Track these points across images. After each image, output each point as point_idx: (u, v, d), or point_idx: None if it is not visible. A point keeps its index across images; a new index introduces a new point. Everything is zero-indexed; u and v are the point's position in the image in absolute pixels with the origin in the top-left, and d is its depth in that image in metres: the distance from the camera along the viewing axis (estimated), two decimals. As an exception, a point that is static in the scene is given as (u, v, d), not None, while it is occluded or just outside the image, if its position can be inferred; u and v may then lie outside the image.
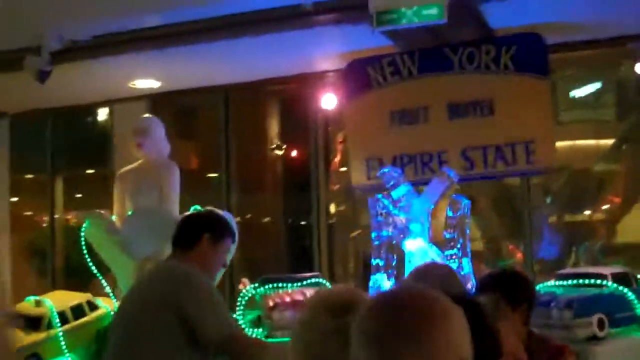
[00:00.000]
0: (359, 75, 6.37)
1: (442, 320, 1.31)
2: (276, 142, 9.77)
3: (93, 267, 5.83)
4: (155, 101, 8.82)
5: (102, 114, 9.70)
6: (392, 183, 5.08)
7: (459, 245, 4.86)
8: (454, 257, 4.86)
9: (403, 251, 5.04)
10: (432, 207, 4.99)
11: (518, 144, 5.83)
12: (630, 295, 4.82)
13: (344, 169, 9.20)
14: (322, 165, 8.50)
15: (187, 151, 10.19)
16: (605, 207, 8.65)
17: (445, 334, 1.29)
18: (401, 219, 4.98)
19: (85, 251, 5.78)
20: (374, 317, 1.33)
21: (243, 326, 5.35)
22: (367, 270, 8.66)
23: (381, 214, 5.07)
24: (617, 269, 5.25)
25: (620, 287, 4.86)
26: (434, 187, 4.98)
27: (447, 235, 4.90)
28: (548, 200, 8.55)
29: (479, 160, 5.92)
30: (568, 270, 5.85)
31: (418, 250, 4.92)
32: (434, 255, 4.92)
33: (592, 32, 6.26)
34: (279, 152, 9.76)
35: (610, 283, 4.88)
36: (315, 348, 1.61)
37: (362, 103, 6.42)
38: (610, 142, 8.59)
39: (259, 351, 3.24)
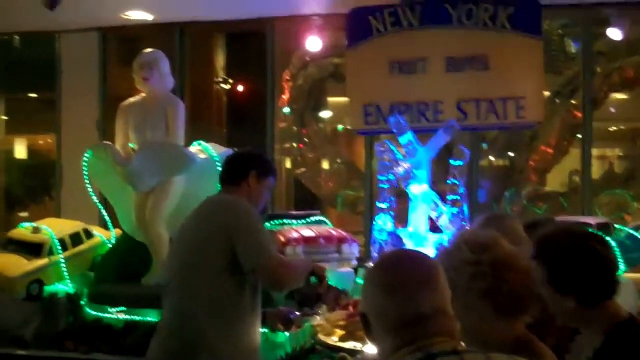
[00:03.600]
0: (361, 23, 6.59)
1: (440, 271, 1.75)
2: (222, 76, 9.91)
3: (94, 196, 5.93)
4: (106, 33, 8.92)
5: (50, 41, 9.57)
6: (398, 130, 5.36)
7: (460, 191, 5.22)
8: (455, 202, 5.22)
9: (407, 195, 5.36)
10: (435, 155, 5.32)
11: (510, 99, 6.24)
12: (612, 243, 5.31)
13: (287, 109, 9.51)
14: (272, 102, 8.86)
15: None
16: (537, 156, 9.24)
17: (443, 278, 1.74)
18: (406, 164, 5.28)
19: (87, 181, 5.85)
20: (394, 271, 1.74)
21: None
22: (300, 205, 9.08)
23: (387, 159, 5.35)
24: (601, 219, 5.76)
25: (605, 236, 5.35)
26: (439, 136, 5.30)
27: (450, 182, 5.25)
28: (484, 146, 9.07)
29: (473, 112, 6.30)
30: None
31: (422, 194, 5.26)
32: (436, 200, 5.28)
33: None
34: (226, 87, 9.91)
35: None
36: (451, 274, 1.89)
37: (363, 51, 6.67)
38: (547, 94, 9.14)
39: (297, 277, 3.50)
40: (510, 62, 6.34)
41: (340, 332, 4.24)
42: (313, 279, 3.64)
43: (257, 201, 3.58)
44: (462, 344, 1.72)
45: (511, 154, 9.46)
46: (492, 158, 9.67)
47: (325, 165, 10.36)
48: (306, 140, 9.92)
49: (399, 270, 1.73)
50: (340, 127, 10.18)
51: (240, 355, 3.35)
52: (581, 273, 2.20)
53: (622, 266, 5.33)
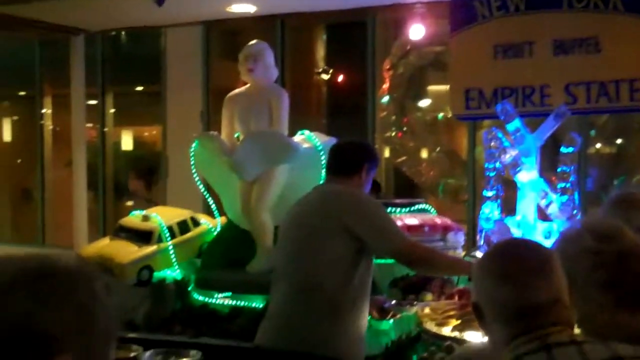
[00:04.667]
0: (465, 8, 6.49)
1: (555, 259, 1.71)
2: (322, 66, 9.92)
3: (200, 185, 6.07)
4: (209, 26, 9.08)
5: (156, 35, 9.85)
6: (505, 117, 5.24)
7: (571, 179, 5.06)
8: (565, 190, 5.06)
9: (513, 183, 5.24)
10: (543, 142, 5.17)
11: (622, 81, 6.01)
12: None
13: (385, 98, 9.43)
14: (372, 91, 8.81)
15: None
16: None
17: (558, 266, 1.70)
18: (514, 151, 5.16)
19: (193, 170, 5.99)
20: (508, 260, 1.72)
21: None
22: (401, 193, 9.05)
23: (494, 147, 5.24)
24: None
25: None
26: (548, 122, 5.14)
27: (560, 169, 5.10)
28: (593, 132, 8.76)
29: (582, 95, 6.11)
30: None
31: (530, 182, 5.12)
32: (545, 188, 5.13)
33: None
34: (326, 77, 9.91)
35: None
36: (570, 262, 1.84)
37: (466, 36, 6.59)
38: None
39: (434, 256, 3.65)
40: (622, 44, 6.10)
41: (453, 322, 4.19)
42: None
43: (365, 191, 3.64)
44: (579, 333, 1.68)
45: (620, 141, 9.11)
46: (599, 145, 9.35)
47: (424, 153, 10.28)
48: (405, 129, 9.86)
49: (513, 259, 1.71)
50: (440, 115, 10.05)
51: (351, 339, 3.38)
52: None
53: None
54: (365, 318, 3.51)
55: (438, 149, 10.03)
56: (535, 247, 1.77)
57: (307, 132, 5.80)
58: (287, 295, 3.47)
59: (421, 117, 10.13)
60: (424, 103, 10.28)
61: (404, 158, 9.51)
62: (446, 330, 4.10)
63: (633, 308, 1.96)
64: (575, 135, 5.05)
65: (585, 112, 6.40)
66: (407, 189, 9.63)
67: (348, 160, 3.65)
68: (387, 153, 10.14)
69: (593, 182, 8.27)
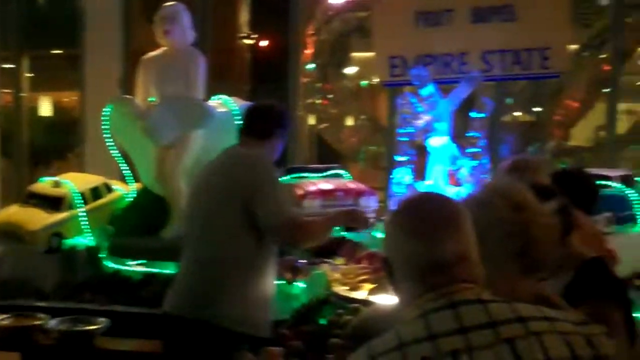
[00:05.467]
0: (386, -25, 6.49)
1: (464, 216, 1.67)
2: (245, 31, 9.83)
3: (115, 151, 5.94)
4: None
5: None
6: (420, 82, 5.28)
7: (481, 144, 5.15)
8: (475, 155, 5.15)
9: (425, 148, 5.31)
10: (456, 107, 5.24)
11: (535, 49, 6.13)
12: (634, 196, 5.24)
13: (311, 65, 9.42)
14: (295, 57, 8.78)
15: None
16: (562, 111, 9.11)
17: (469, 222, 1.67)
18: (427, 117, 5.21)
19: (107, 134, 5.86)
20: (418, 214, 1.67)
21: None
22: (323, 160, 9.08)
23: (407, 112, 5.29)
24: (622, 171, 5.66)
25: (625, 188, 5.27)
26: (461, 88, 5.21)
27: (470, 134, 5.18)
28: (509, 100, 8.95)
29: (497, 63, 6.23)
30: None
31: (442, 147, 5.20)
32: (456, 152, 5.21)
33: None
34: (249, 41, 9.82)
35: (616, 184, 5.28)
36: (480, 227, 1.77)
37: (388, 3, 6.62)
38: (574, 47, 8.95)
39: (313, 232, 3.51)
40: (537, 13, 6.23)
41: (368, 286, 4.24)
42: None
43: (275, 156, 3.61)
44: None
45: (536, 109, 9.33)
46: (516, 113, 9.55)
47: (350, 121, 10.31)
48: (331, 96, 9.87)
49: (424, 213, 1.66)
50: (364, 82, 10.08)
51: (254, 306, 3.36)
52: None
53: (642, 220, 5.27)
54: (269, 283, 3.47)
55: (362, 116, 10.09)
56: (446, 201, 1.72)
57: (223, 96, 5.73)
58: (189, 261, 3.44)
59: (345, 85, 10.15)
60: (349, 70, 10.29)
61: (325, 125, 9.53)
62: (361, 294, 4.14)
63: (535, 276, 2.01)
64: (486, 100, 5.13)
65: (500, 78, 6.55)
66: (330, 156, 9.66)
67: (261, 123, 3.58)
68: (312, 120, 10.15)
69: (508, 148, 8.45)
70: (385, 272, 1.73)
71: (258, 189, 3.26)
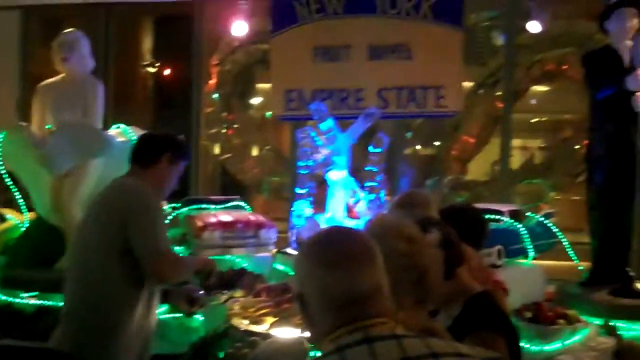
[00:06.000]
0: (286, 9, 6.59)
1: (375, 248, 1.71)
2: (149, 59, 9.78)
3: (8, 180, 5.78)
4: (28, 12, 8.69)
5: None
6: (318, 117, 5.39)
7: (378, 178, 5.29)
8: (373, 189, 5.28)
9: (325, 181, 5.40)
10: (354, 142, 5.37)
11: (430, 88, 6.35)
12: (523, 230, 5.48)
13: (215, 95, 9.45)
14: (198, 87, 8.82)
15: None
16: (459, 146, 9.45)
17: (379, 256, 1.70)
18: (326, 150, 5.32)
19: (1, 164, 5.70)
20: (332, 247, 1.69)
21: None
22: (227, 190, 9.08)
23: (307, 145, 5.37)
24: (512, 206, 5.91)
25: (515, 222, 5.51)
26: (359, 123, 5.35)
27: (368, 168, 5.31)
28: (409, 135, 9.20)
29: (393, 100, 6.40)
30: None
31: (340, 180, 5.30)
32: (354, 186, 5.33)
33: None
34: (152, 70, 9.78)
35: (506, 219, 5.51)
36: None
37: (287, 36, 6.69)
38: (470, 85, 9.32)
39: (173, 273, 3.43)
40: (430, 52, 6.45)
41: (270, 319, 4.23)
42: (195, 277, 3.62)
43: (166, 185, 3.51)
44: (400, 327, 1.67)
45: (435, 143, 9.62)
46: (418, 147, 9.83)
47: (255, 151, 10.33)
48: (237, 126, 9.88)
49: (339, 246, 1.67)
50: (268, 113, 10.15)
51: (134, 340, 3.30)
52: None
53: (531, 252, 5.51)
54: (149, 315, 3.39)
55: (268, 147, 10.13)
56: (359, 235, 1.74)
57: (122, 125, 5.68)
58: (68, 293, 3.37)
59: (250, 115, 10.19)
60: (254, 101, 10.35)
61: (228, 155, 9.54)
62: (262, 328, 4.13)
63: (427, 307, 2.09)
64: (383, 136, 5.27)
65: (396, 116, 6.72)
66: (234, 187, 9.64)
67: (146, 151, 3.47)
68: (217, 150, 10.12)
69: (408, 182, 8.66)
70: (299, 307, 1.72)
71: (132, 220, 3.19)
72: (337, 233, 1.76)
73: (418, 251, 2.05)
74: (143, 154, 3.47)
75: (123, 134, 5.58)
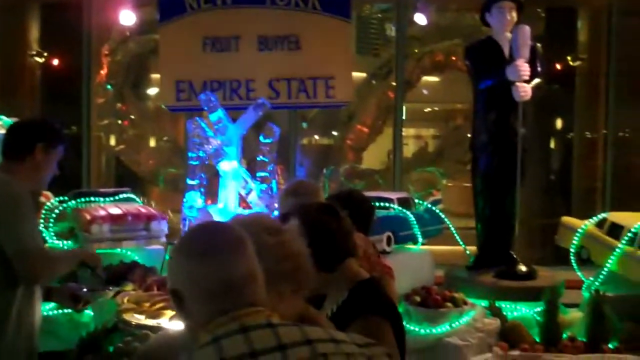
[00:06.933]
0: (174, -2, 6.52)
1: (247, 237, 1.76)
2: (36, 48, 9.47)
3: None
4: None
5: None
6: (208, 107, 5.36)
7: (269, 168, 5.30)
8: (264, 179, 5.29)
9: (217, 171, 5.38)
10: (245, 132, 5.38)
11: (319, 79, 6.43)
12: (411, 217, 5.63)
13: (108, 85, 9.29)
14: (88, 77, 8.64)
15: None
16: (353, 135, 9.63)
17: (251, 246, 1.76)
18: (217, 141, 5.29)
19: None
20: (203, 239, 1.73)
21: (48, 239, 5.41)
22: (122, 182, 8.92)
23: (197, 136, 5.33)
24: (401, 194, 6.06)
25: (404, 210, 5.66)
26: (249, 114, 5.35)
27: (259, 159, 5.32)
28: (304, 125, 9.31)
29: (284, 91, 6.44)
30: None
31: (232, 171, 5.29)
32: (245, 176, 5.34)
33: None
34: (39, 60, 9.47)
35: (395, 206, 5.66)
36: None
37: (176, 26, 6.62)
38: (363, 75, 9.48)
39: (54, 268, 3.35)
40: (320, 43, 6.54)
41: (169, 313, 4.17)
42: (82, 269, 3.54)
43: (45, 174, 3.36)
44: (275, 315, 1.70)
45: (330, 133, 9.76)
46: (315, 137, 9.94)
47: (152, 142, 10.18)
48: (132, 117, 9.71)
49: (208, 238, 1.71)
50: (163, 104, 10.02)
51: (16, 341, 3.21)
52: (313, 244, 2.29)
53: (420, 238, 5.68)
54: (31, 314, 3.25)
55: (165, 138, 10.01)
56: (228, 226, 1.79)
57: (4, 117, 5.50)
58: None
59: (145, 106, 10.03)
60: (151, 91, 10.17)
61: (122, 147, 9.37)
62: (162, 322, 4.08)
63: (300, 293, 2.13)
64: (273, 126, 5.29)
65: (287, 106, 6.78)
66: (130, 179, 9.47)
67: (17, 143, 3.28)
68: (112, 141, 9.91)
69: (305, 171, 8.75)
70: (174, 302, 1.73)
71: (4, 216, 3.04)
72: (205, 226, 1.82)
73: (286, 240, 2.07)
74: (14, 147, 3.28)
75: (4, 126, 5.39)
